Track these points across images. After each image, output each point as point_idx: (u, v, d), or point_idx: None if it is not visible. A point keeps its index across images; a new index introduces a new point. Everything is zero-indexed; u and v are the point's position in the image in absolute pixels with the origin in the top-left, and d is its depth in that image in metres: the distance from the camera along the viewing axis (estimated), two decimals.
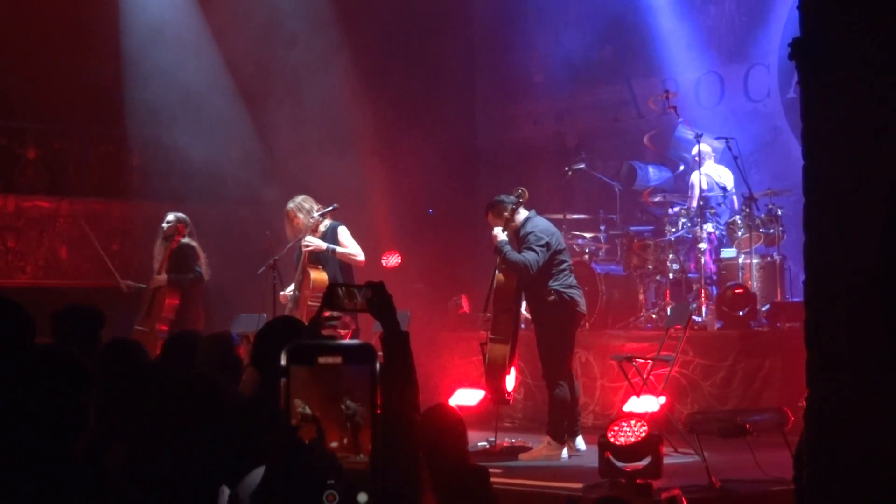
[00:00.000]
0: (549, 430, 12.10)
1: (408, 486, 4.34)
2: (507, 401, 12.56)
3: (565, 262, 12.17)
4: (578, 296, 12.14)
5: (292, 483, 2.43)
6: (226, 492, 4.41)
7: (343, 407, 2.47)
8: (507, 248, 11.91)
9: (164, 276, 13.82)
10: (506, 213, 12.11)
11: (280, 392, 2.46)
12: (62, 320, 7.16)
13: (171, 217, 14.09)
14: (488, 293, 12.36)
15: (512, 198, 12.20)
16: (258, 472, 3.98)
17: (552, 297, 11.95)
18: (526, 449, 12.31)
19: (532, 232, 11.98)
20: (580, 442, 12.08)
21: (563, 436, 11.92)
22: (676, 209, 15.73)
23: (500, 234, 12.02)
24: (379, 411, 2.46)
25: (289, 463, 2.43)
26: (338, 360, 2.47)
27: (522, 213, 12.18)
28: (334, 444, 2.45)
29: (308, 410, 2.45)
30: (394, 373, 4.89)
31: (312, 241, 12.72)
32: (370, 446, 2.46)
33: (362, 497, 2.44)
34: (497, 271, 12.08)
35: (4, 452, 3.80)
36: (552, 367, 12.05)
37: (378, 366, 2.48)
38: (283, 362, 2.47)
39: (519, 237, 12.04)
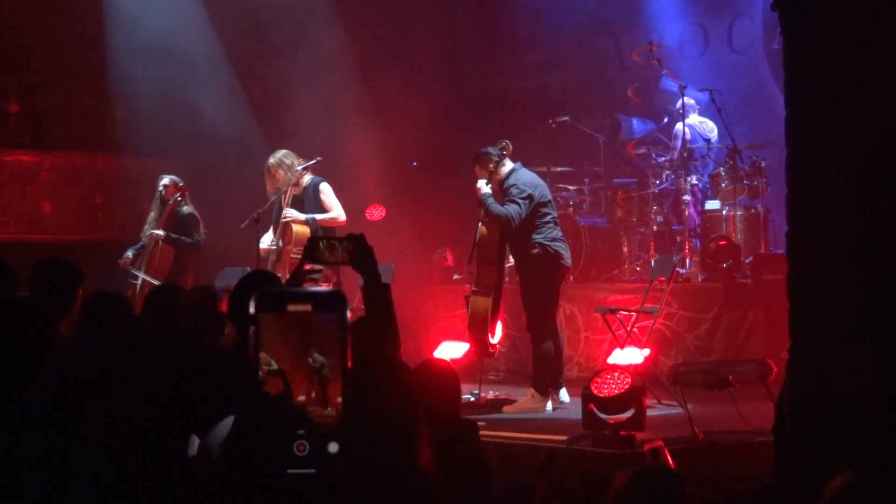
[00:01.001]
0: (532, 383, 12.13)
1: (393, 438, 4.35)
2: (492, 354, 12.58)
3: (549, 214, 12.12)
4: (563, 249, 12.11)
5: (262, 433, 2.43)
6: (195, 441, 4.42)
7: (310, 360, 2.46)
8: (490, 200, 11.88)
9: (161, 232, 13.76)
10: (490, 166, 12.07)
11: (249, 341, 2.45)
12: (39, 273, 7.13)
13: (166, 180, 13.99)
14: (472, 246, 12.37)
15: (497, 150, 12.16)
16: (227, 422, 4.00)
17: (536, 250, 11.93)
18: (510, 402, 12.33)
19: (515, 184, 11.94)
20: (564, 394, 12.11)
21: (547, 388, 11.95)
22: (660, 161, 15.74)
23: (483, 186, 11.98)
24: (349, 361, 2.45)
25: (258, 413, 2.42)
26: (307, 307, 2.46)
27: (507, 166, 12.13)
28: (301, 398, 2.44)
29: (274, 365, 2.44)
30: (375, 324, 4.90)
31: (290, 214, 12.66)
32: (339, 398, 2.46)
33: (333, 447, 2.43)
34: (480, 224, 12.06)
35: None
36: (536, 320, 12.05)
37: (348, 313, 2.47)
38: (251, 310, 2.46)
39: (502, 189, 12.01)
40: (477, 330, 12.15)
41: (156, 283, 13.08)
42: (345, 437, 2.43)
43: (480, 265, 12.14)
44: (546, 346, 11.97)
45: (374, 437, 4.11)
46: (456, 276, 12.93)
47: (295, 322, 2.45)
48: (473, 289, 12.16)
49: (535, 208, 11.91)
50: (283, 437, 2.42)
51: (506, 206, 11.82)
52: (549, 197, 12.36)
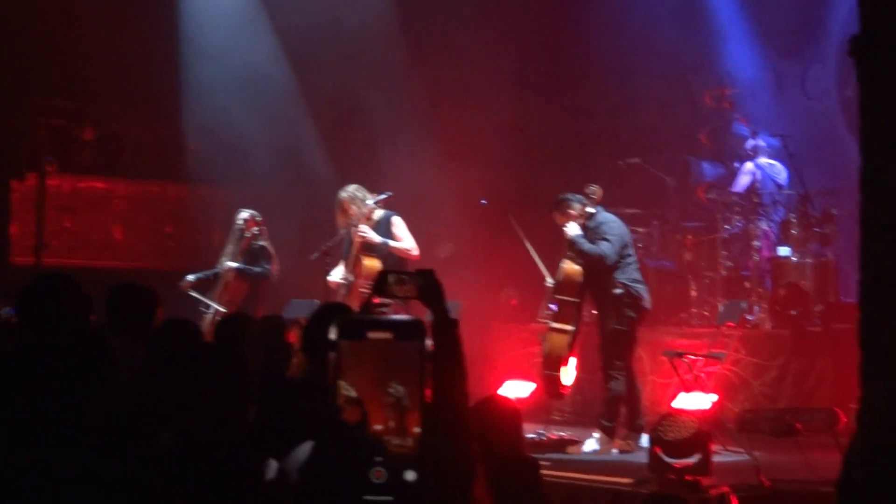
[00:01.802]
0: (599, 424, 12.12)
1: (457, 473, 4.34)
2: (561, 395, 12.57)
3: (632, 255, 12.34)
4: (644, 291, 12.24)
5: (340, 459, 2.43)
6: (273, 465, 4.44)
7: (391, 390, 2.46)
8: (582, 239, 12.00)
9: (235, 265, 13.86)
10: (572, 211, 12.18)
11: (329, 367, 2.45)
12: (118, 297, 7.18)
13: (245, 214, 14.08)
14: (555, 284, 12.43)
15: (578, 196, 12.27)
16: (306, 447, 4.01)
17: (618, 290, 12.04)
18: (575, 443, 12.30)
19: (604, 223, 12.13)
20: (644, 439, 12.00)
21: (613, 430, 11.89)
22: (730, 205, 15.66)
23: (573, 228, 12.11)
24: (428, 391, 2.45)
25: (336, 439, 2.43)
26: (388, 335, 2.47)
27: (591, 210, 12.26)
28: (378, 427, 2.45)
29: (353, 392, 2.45)
30: (443, 360, 4.90)
31: (367, 233, 12.71)
32: (416, 428, 2.46)
33: (410, 474, 2.44)
34: (564, 261, 12.13)
35: (44, 426, 3.83)
36: (611, 359, 12.12)
37: (428, 343, 2.47)
38: (332, 336, 2.47)
39: (589, 230, 12.09)
40: (551, 367, 12.19)
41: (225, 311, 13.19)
42: (423, 466, 2.43)
43: (562, 303, 12.18)
44: (617, 387, 12.03)
45: (434, 474, 4.10)
46: (540, 319, 12.96)
47: (374, 350, 2.46)
48: (552, 325, 12.19)
49: (621, 250, 12.00)
50: (361, 464, 2.43)
51: (598, 244, 11.92)
52: (631, 239, 12.49)
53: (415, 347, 2.47)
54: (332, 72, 17.56)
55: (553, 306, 12.55)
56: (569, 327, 12.10)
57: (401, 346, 2.47)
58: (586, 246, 11.98)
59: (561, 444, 12.30)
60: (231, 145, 17.25)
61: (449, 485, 4.19)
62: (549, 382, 12.28)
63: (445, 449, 4.18)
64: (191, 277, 14.13)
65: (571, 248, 12.10)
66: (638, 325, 12.37)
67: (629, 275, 12.14)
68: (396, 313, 10.26)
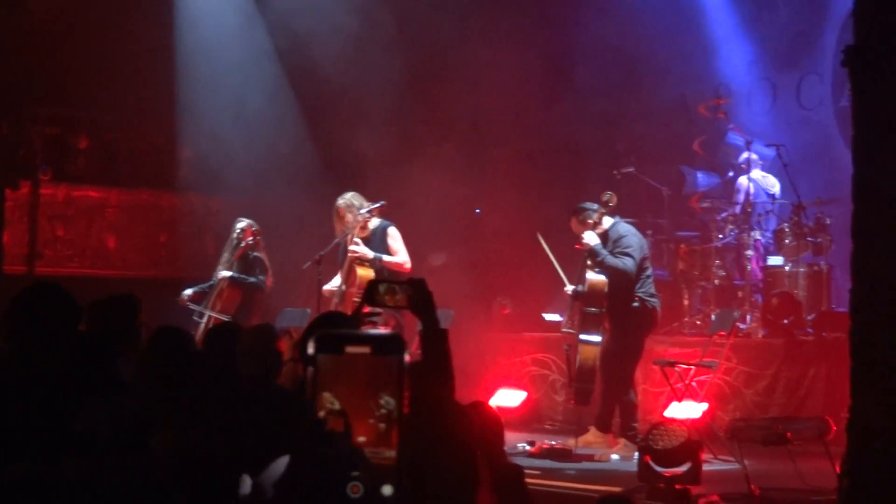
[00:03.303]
0: (622, 433, 12.19)
1: (456, 483, 4.34)
2: (588, 402, 12.63)
3: (649, 268, 12.44)
4: (658, 304, 12.46)
5: (317, 473, 2.43)
6: (247, 480, 4.42)
7: (382, 402, 2.46)
8: (604, 252, 12.05)
9: (228, 273, 13.86)
10: (591, 220, 12.29)
11: (307, 381, 2.46)
12: (95, 312, 7.16)
13: (243, 223, 14.06)
14: (575, 295, 12.46)
15: (595, 205, 12.34)
16: (282, 462, 4.00)
17: (636, 304, 12.15)
18: (566, 451, 12.31)
19: (625, 236, 12.23)
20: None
21: (636, 436, 11.91)
22: (724, 215, 15.68)
23: (593, 238, 12.15)
24: (406, 403, 2.45)
25: (314, 453, 2.43)
26: (366, 349, 2.46)
27: (608, 219, 12.31)
28: (362, 439, 2.44)
29: (337, 405, 2.45)
30: (431, 369, 4.90)
31: (360, 250, 12.70)
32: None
33: (387, 489, 2.43)
34: (589, 273, 12.16)
35: (45, 437, 3.83)
36: (625, 370, 12.26)
37: (406, 357, 2.47)
38: (310, 351, 2.46)
39: (611, 241, 12.15)
40: (585, 380, 12.27)
41: (222, 318, 13.19)
42: (400, 481, 2.43)
43: (588, 314, 12.21)
44: (630, 396, 12.22)
45: (431, 483, 4.10)
46: (565, 329, 12.97)
47: (353, 364, 2.46)
48: (582, 338, 12.23)
49: (640, 262, 12.07)
50: (338, 479, 2.42)
51: (622, 259, 12.01)
52: (648, 251, 12.59)
53: (393, 361, 2.45)
54: (329, 82, 17.56)
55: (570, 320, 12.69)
56: (597, 338, 12.17)
57: (379, 361, 2.46)
58: (610, 260, 12.06)
59: (552, 453, 12.28)
60: (225, 155, 17.24)
61: (438, 496, 4.19)
62: (583, 394, 12.34)
63: (428, 461, 4.18)
64: (188, 291, 14.11)
65: (592, 258, 12.14)
66: (647, 337, 12.49)
67: (647, 289, 12.26)
68: (387, 322, 10.28)
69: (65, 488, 3.71)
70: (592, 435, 12.37)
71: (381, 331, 2.51)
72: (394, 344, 2.47)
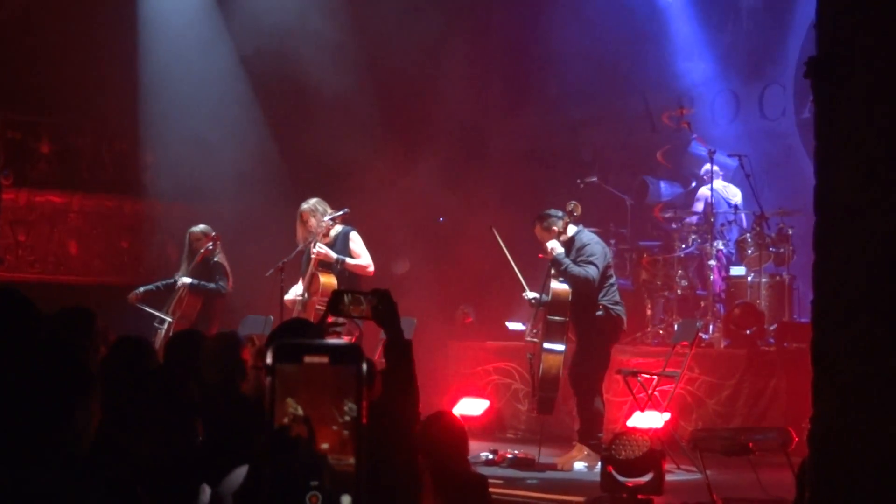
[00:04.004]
0: (583, 439, 12.14)
1: (404, 490, 4.34)
2: (551, 412, 12.59)
3: (613, 277, 12.43)
4: (623, 312, 12.38)
5: (275, 483, 2.41)
6: (207, 490, 4.40)
7: (346, 409, 2.45)
8: (568, 261, 12.04)
9: (188, 280, 13.83)
10: (555, 228, 12.28)
11: (265, 391, 2.45)
12: (51, 325, 7.11)
13: (196, 230, 14.05)
14: (537, 304, 12.45)
15: (560, 212, 12.33)
16: (241, 472, 3.99)
17: (600, 312, 12.13)
18: (529, 461, 12.31)
19: (588, 244, 12.20)
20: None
21: (600, 446, 11.91)
22: (687, 225, 15.72)
23: (557, 246, 12.14)
24: (364, 413, 2.44)
25: (272, 462, 2.41)
26: (324, 359, 2.46)
27: (572, 228, 12.32)
28: (325, 446, 2.43)
29: (300, 411, 2.44)
30: (395, 380, 4.90)
31: (323, 249, 12.69)
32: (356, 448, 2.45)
33: (345, 500, 2.42)
34: (553, 282, 12.14)
35: (12, 445, 3.80)
36: (591, 379, 12.18)
37: (364, 367, 2.46)
38: (268, 360, 2.46)
39: (575, 249, 12.14)
40: (548, 389, 12.21)
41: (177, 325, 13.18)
42: (359, 490, 2.42)
43: (551, 323, 12.17)
44: (597, 405, 12.14)
45: (382, 491, 4.11)
46: (529, 338, 12.94)
47: (311, 373, 2.45)
48: (545, 346, 12.16)
49: (603, 271, 12.06)
50: (296, 488, 2.41)
51: (585, 268, 12.00)
52: (611, 259, 12.58)
53: (351, 371, 2.45)
54: (292, 88, 17.55)
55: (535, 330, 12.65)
56: (561, 347, 12.13)
57: (337, 370, 2.45)
58: (573, 269, 12.03)
59: (516, 462, 12.28)
60: (188, 161, 17.19)
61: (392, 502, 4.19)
62: (546, 403, 12.29)
63: (391, 469, 4.18)
64: (139, 290, 14.12)
65: (555, 267, 12.13)
66: (613, 345, 12.48)
67: (611, 297, 12.24)
68: (351, 332, 10.27)
69: (32, 497, 3.69)
70: (577, 450, 12.28)
71: (339, 341, 2.50)
72: (352, 354, 2.47)
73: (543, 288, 12.41)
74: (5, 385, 3.88)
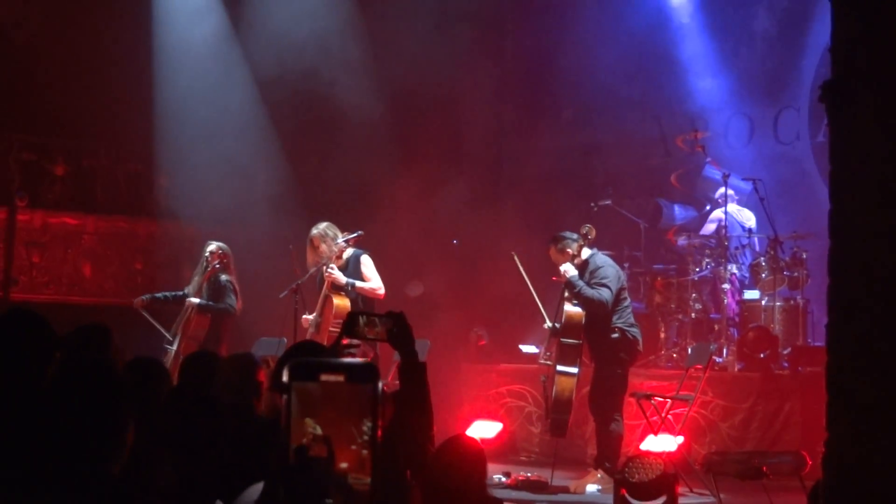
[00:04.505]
0: (599, 464, 12.11)
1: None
2: (564, 435, 12.55)
3: (627, 299, 12.42)
4: (639, 334, 12.37)
5: (289, 500, 2.42)
6: None
7: (365, 428, 2.46)
8: (582, 283, 12.04)
9: (196, 301, 13.83)
10: (570, 250, 12.28)
11: (282, 409, 2.46)
12: (68, 344, 7.11)
13: (213, 247, 14.04)
14: (553, 328, 12.44)
15: (575, 235, 12.33)
16: (256, 489, 3.99)
17: (615, 335, 12.12)
18: (542, 483, 12.29)
19: (602, 267, 12.20)
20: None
21: (614, 469, 11.87)
22: (700, 248, 15.71)
23: (570, 269, 12.14)
24: (380, 433, 2.45)
25: (287, 480, 2.42)
26: (340, 378, 2.46)
27: (586, 251, 12.31)
28: (345, 465, 2.44)
29: (319, 431, 2.44)
30: (410, 402, 4.91)
31: (335, 273, 12.66)
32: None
33: None
34: (567, 304, 12.13)
35: (41, 468, 3.80)
36: (609, 402, 12.15)
37: (380, 386, 2.47)
38: (285, 379, 2.46)
39: (588, 272, 12.13)
40: (561, 411, 12.19)
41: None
42: None
43: (565, 346, 12.16)
44: (615, 428, 12.13)
45: None
46: (543, 361, 12.93)
47: (327, 392, 2.46)
48: (559, 369, 12.16)
49: (617, 293, 12.03)
50: None
51: (598, 290, 11.99)
52: (626, 283, 12.56)
53: (366, 390, 2.45)
54: (306, 111, 17.58)
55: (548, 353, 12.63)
56: (574, 370, 12.12)
57: (353, 389, 2.46)
58: (587, 292, 12.03)
59: (529, 485, 12.26)
60: (202, 182, 17.23)
61: None
62: (559, 426, 12.27)
63: (401, 490, 4.18)
64: (146, 297, 14.15)
65: (570, 290, 12.13)
66: (630, 367, 12.43)
67: (625, 319, 12.23)
68: (366, 354, 10.27)
69: None
70: (592, 475, 12.24)
71: (354, 360, 2.51)
72: (368, 372, 2.47)
73: (557, 310, 12.41)
74: (44, 405, 3.88)
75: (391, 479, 4.33)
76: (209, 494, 4.60)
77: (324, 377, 2.46)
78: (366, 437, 2.45)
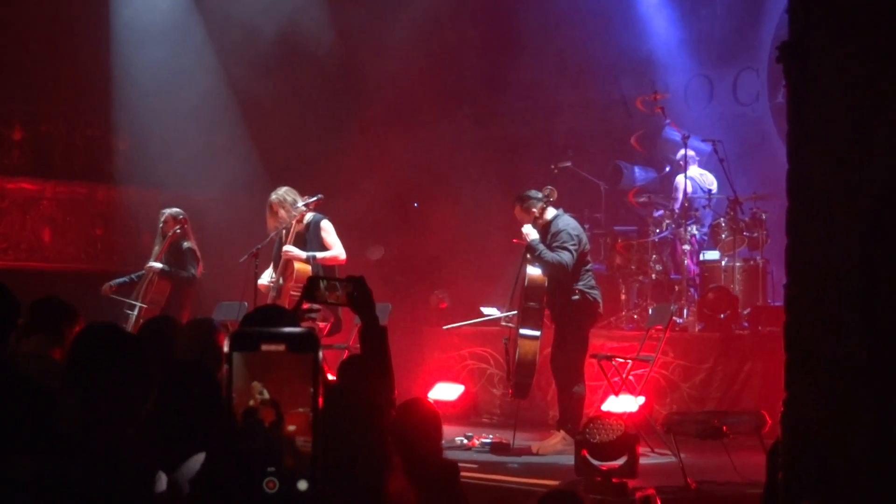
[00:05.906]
0: (562, 425, 12.10)
1: (373, 473, 4.34)
2: (525, 397, 12.55)
3: (589, 262, 12.33)
4: (599, 296, 12.29)
5: (232, 469, 2.42)
6: (163, 477, 4.39)
7: (311, 391, 2.47)
8: (542, 246, 11.99)
9: (158, 265, 13.80)
10: (534, 209, 12.19)
11: (223, 379, 2.46)
12: (36, 310, 7.09)
13: (166, 213, 14.03)
14: (513, 289, 12.45)
15: (540, 194, 12.27)
16: (198, 458, 3.99)
17: (576, 297, 12.05)
18: (504, 445, 12.32)
19: (564, 230, 12.08)
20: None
21: (576, 430, 11.89)
22: (661, 210, 15.75)
23: (531, 232, 12.10)
24: (321, 400, 2.46)
25: (229, 449, 2.42)
26: (281, 347, 2.47)
27: (551, 211, 12.25)
28: (293, 428, 2.45)
29: (267, 394, 2.45)
30: (371, 365, 4.91)
31: (292, 251, 12.57)
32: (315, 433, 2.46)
33: (302, 485, 2.43)
34: (528, 267, 12.11)
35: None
36: (571, 364, 12.10)
37: (320, 354, 2.47)
38: (225, 349, 2.47)
39: (550, 235, 12.10)
40: (524, 374, 12.16)
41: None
42: (314, 476, 2.43)
43: (527, 309, 12.13)
44: (578, 390, 12.07)
45: (344, 472, 4.12)
46: (505, 323, 12.95)
47: (268, 361, 2.47)
48: (522, 332, 12.11)
49: (579, 255, 12.01)
50: (253, 475, 2.42)
51: (558, 253, 11.93)
52: (589, 245, 12.51)
53: (307, 359, 2.46)
54: (264, 74, 17.50)
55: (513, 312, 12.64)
56: (536, 333, 12.09)
57: (294, 358, 2.46)
58: (547, 255, 11.95)
59: (491, 447, 12.29)
60: (161, 148, 17.16)
61: (350, 487, 4.20)
62: (521, 388, 12.24)
63: (357, 452, 4.19)
64: (113, 283, 14.13)
65: (531, 253, 12.10)
66: (590, 329, 12.43)
67: (586, 282, 12.16)
68: (326, 318, 10.24)
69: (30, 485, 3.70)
70: (562, 442, 12.22)
71: (294, 328, 2.51)
72: (309, 342, 2.48)
73: (519, 273, 12.40)
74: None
75: (368, 447, 4.33)
76: (149, 462, 4.58)
77: (264, 346, 2.47)
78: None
